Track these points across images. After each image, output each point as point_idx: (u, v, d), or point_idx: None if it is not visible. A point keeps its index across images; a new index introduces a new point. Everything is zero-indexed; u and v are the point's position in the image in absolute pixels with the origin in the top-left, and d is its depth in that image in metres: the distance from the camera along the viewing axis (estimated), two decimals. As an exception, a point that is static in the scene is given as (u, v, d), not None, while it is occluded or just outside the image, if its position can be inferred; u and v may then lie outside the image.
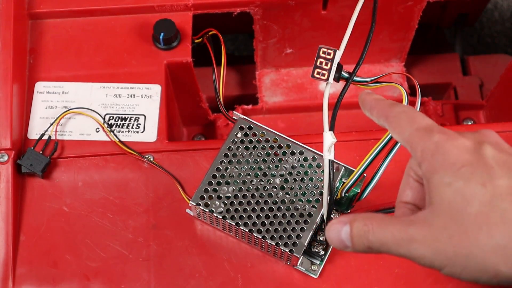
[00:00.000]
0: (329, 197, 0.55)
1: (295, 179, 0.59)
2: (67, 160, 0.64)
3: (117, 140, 0.65)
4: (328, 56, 0.53)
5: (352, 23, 0.54)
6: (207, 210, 0.58)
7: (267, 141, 0.60)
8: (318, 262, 0.60)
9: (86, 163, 0.64)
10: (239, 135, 0.60)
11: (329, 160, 0.54)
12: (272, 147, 0.60)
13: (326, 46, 0.54)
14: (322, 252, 0.59)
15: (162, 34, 0.67)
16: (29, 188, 0.63)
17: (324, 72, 0.54)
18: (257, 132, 0.60)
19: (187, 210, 0.62)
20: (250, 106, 0.85)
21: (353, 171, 0.58)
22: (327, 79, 0.54)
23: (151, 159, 0.64)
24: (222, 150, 0.60)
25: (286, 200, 0.58)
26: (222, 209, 0.58)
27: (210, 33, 0.69)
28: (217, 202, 0.58)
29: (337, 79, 0.54)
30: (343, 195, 0.58)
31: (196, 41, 0.70)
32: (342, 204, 0.60)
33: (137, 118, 0.66)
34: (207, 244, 0.61)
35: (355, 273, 0.60)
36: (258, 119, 0.63)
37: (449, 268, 0.41)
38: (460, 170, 0.40)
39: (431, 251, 0.40)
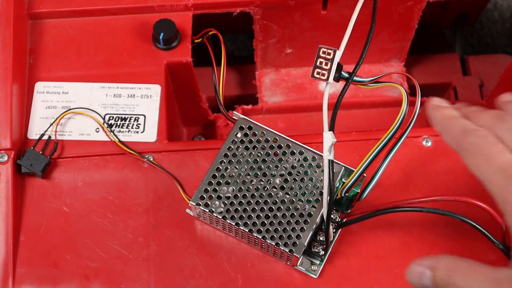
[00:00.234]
0: (329, 197, 0.55)
1: (295, 179, 0.59)
2: (67, 160, 0.64)
3: (117, 140, 0.65)
4: (328, 56, 0.53)
5: (352, 23, 0.54)
6: (207, 210, 0.58)
7: (267, 141, 0.60)
8: (318, 262, 0.60)
9: (86, 163, 0.64)
10: (239, 135, 0.60)
11: (329, 160, 0.54)
12: (272, 147, 0.60)
13: (326, 46, 0.54)
14: (322, 252, 0.59)
15: (162, 34, 0.67)
16: (29, 188, 0.63)
17: (324, 72, 0.54)
18: (257, 132, 0.60)
19: (187, 210, 0.62)
20: (250, 106, 0.85)
21: (353, 171, 0.58)
22: (327, 79, 0.54)
23: (151, 159, 0.64)
24: (222, 150, 0.60)
25: (286, 200, 0.58)
26: (222, 209, 0.58)
27: (210, 33, 0.69)
28: (217, 202, 0.58)
29: (337, 79, 0.54)
30: (343, 195, 0.58)
31: (196, 41, 0.70)
32: (342, 204, 0.60)
33: (137, 118, 0.66)
34: (207, 244, 0.61)
35: (355, 273, 0.60)
36: (258, 119, 0.63)
37: None
38: None
39: None
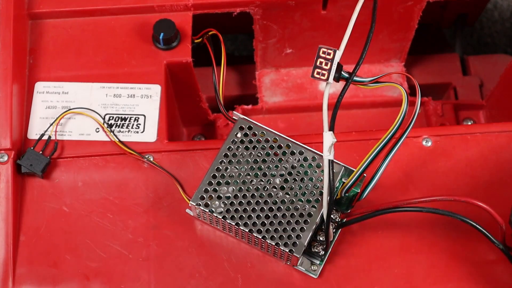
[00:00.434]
0: (329, 197, 0.55)
1: (295, 179, 0.59)
2: (67, 160, 0.64)
3: (117, 140, 0.65)
4: (328, 56, 0.53)
5: (352, 23, 0.54)
6: (207, 210, 0.58)
7: (267, 141, 0.60)
8: (318, 262, 0.60)
9: (86, 163, 0.64)
10: (239, 135, 0.60)
11: (329, 160, 0.54)
12: (272, 147, 0.60)
13: (326, 46, 0.54)
14: (322, 252, 0.59)
15: (162, 34, 0.67)
16: (29, 188, 0.63)
17: (324, 72, 0.54)
18: (257, 132, 0.60)
19: (187, 210, 0.62)
20: (250, 106, 0.85)
21: (353, 171, 0.58)
22: (327, 79, 0.54)
23: (151, 159, 0.64)
24: (222, 150, 0.60)
25: (286, 200, 0.58)
26: (222, 209, 0.58)
27: (210, 33, 0.69)
28: (217, 202, 0.58)
29: (337, 79, 0.54)
30: (343, 195, 0.58)
31: (196, 41, 0.70)
32: (342, 204, 0.60)
33: (137, 118, 0.66)
34: (207, 244, 0.61)
35: (355, 273, 0.60)
36: (258, 119, 0.63)
37: None
38: None
39: None
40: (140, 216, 0.62)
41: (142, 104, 0.67)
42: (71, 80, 0.68)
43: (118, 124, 0.66)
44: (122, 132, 0.65)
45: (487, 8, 1.17)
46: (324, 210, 0.56)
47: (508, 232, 0.57)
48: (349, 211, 0.60)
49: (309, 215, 0.57)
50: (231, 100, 0.89)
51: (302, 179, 0.59)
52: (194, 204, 0.58)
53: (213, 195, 0.58)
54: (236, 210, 0.58)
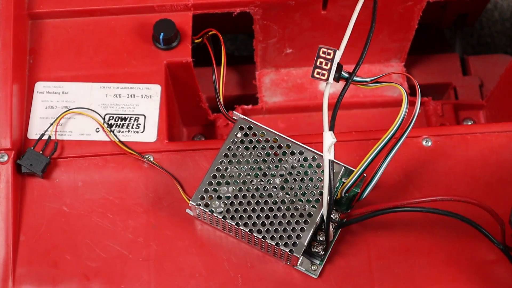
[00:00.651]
0: (329, 197, 0.55)
1: (295, 179, 0.59)
2: (67, 160, 0.64)
3: (117, 140, 0.65)
4: (328, 56, 0.54)
5: (352, 23, 0.54)
6: (207, 210, 0.58)
7: (267, 141, 0.60)
8: (318, 262, 0.60)
9: (86, 163, 0.64)
10: (239, 135, 0.60)
11: (329, 160, 0.54)
12: (272, 147, 0.60)
13: (326, 46, 0.54)
14: (322, 252, 0.59)
15: (162, 34, 0.67)
16: (29, 188, 0.63)
17: (324, 72, 0.54)
18: (257, 132, 0.60)
19: (187, 210, 0.62)
20: (250, 106, 0.85)
21: (353, 171, 0.58)
22: (327, 79, 0.54)
23: (151, 159, 0.64)
24: (222, 150, 0.60)
25: (286, 200, 0.58)
26: (222, 209, 0.58)
27: (210, 33, 0.69)
28: (217, 202, 0.58)
29: (337, 79, 0.54)
30: (343, 195, 0.58)
31: (196, 41, 0.70)
32: (342, 204, 0.60)
33: (137, 118, 0.66)
34: (207, 244, 0.61)
35: (355, 273, 0.60)
36: (258, 119, 0.63)
37: None
38: None
39: None
40: (140, 216, 0.62)
41: (142, 104, 0.67)
42: (71, 80, 0.68)
43: (118, 124, 0.66)
44: (122, 132, 0.65)
45: (487, 8, 1.17)
46: (324, 210, 0.56)
47: (508, 232, 0.57)
48: (349, 211, 0.60)
49: (309, 215, 0.57)
50: (231, 100, 0.89)
51: (302, 179, 0.59)
52: (194, 204, 0.58)
53: (213, 195, 0.58)
54: (236, 210, 0.58)
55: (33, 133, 0.65)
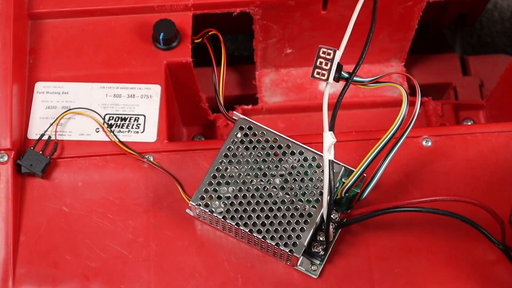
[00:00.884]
0: (329, 197, 0.55)
1: (295, 179, 0.59)
2: (67, 160, 0.64)
3: (117, 140, 0.65)
4: (328, 56, 0.54)
5: (352, 23, 0.54)
6: (207, 210, 0.58)
7: (267, 141, 0.60)
8: (318, 262, 0.60)
9: (86, 163, 0.64)
10: (239, 135, 0.60)
11: (329, 160, 0.54)
12: (272, 147, 0.60)
13: (326, 46, 0.54)
14: (322, 252, 0.59)
15: (162, 34, 0.67)
16: (29, 188, 0.63)
17: (324, 72, 0.54)
18: (257, 132, 0.60)
19: (187, 210, 0.62)
20: (250, 106, 0.85)
21: (353, 171, 0.58)
22: (327, 79, 0.54)
23: (151, 159, 0.64)
24: (222, 150, 0.60)
25: (286, 200, 0.58)
26: (222, 209, 0.58)
27: (210, 33, 0.69)
28: (217, 202, 0.58)
29: (337, 79, 0.54)
30: (343, 195, 0.58)
31: (196, 41, 0.70)
32: (342, 204, 0.60)
33: (137, 118, 0.66)
34: (207, 244, 0.61)
35: (355, 273, 0.60)
36: (258, 119, 0.63)
37: None
38: None
39: None
40: (140, 216, 0.62)
41: (142, 104, 0.67)
42: (71, 80, 0.68)
43: (118, 124, 0.66)
44: (122, 132, 0.65)
45: (487, 8, 1.17)
46: (324, 210, 0.56)
47: (508, 232, 0.57)
48: (349, 211, 0.60)
49: (309, 215, 0.57)
50: (231, 100, 0.89)
51: (302, 179, 0.59)
52: (194, 204, 0.58)
53: (213, 195, 0.58)
54: (236, 210, 0.58)
55: (33, 133, 0.65)
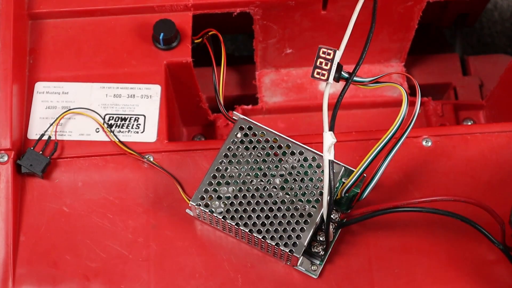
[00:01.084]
0: (329, 197, 0.55)
1: (295, 179, 0.59)
2: (67, 160, 0.64)
3: (117, 140, 0.65)
4: (328, 56, 0.54)
5: (352, 23, 0.54)
6: (207, 210, 0.58)
7: (267, 141, 0.60)
8: (318, 262, 0.60)
9: (86, 163, 0.64)
10: (239, 135, 0.60)
11: (329, 160, 0.54)
12: (272, 147, 0.60)
13: (326, 46, 0.54)
14: (322, 252, 0.59)
15: (162, 34, 0.67)
16: (29, 188, 0.63)
17: (324, 72, 0.54)
18: (257, 132, 0.60)
19: (187, 210, 0.62)
20: (250, 106, 0.85)
21: (353, 171, 0.58)
22: (327, 79, 0.54)
23: (151, 159, 0.64)
24: (222, 150, 0.60)
25: (286, 200, 0.58)
26: (222, 209, 0.58)
27: (210, 33, 0.69)
28: (217, 202, 0.58)
29: (337, 79, 0.54)
30: (343, 195, 0.58)
31: (196, 41, 0.70)
32: (342, 204, 0.60)
33: (137, 118, 0.66)
34: (207, 244, 0.61)
35: (355, 273, 0.60)
36: (258, 119, 0.63)
37: None
38: None
39: None
40: (140, 216, 0.62)
41: (142, 104, 0.67)
42: (71, 80, 0.68)
43: (118, 124, 0.66)
44: (122, 132, 0.65)
45: (487, 8, 1.17)
46: (324, 210, 0.56)
47: (508, 232, 0.57)
48: (349, 211, 0.60)
49: (309, 215, 0.57)
50: (231, 100, 0.89)
51: (302, 179, 0.59)
52: (194, 204, 0.58)
53: (213, 195, 0.58)
54: (236, 210, 0.58)
55: (33, 133, 0.65)
